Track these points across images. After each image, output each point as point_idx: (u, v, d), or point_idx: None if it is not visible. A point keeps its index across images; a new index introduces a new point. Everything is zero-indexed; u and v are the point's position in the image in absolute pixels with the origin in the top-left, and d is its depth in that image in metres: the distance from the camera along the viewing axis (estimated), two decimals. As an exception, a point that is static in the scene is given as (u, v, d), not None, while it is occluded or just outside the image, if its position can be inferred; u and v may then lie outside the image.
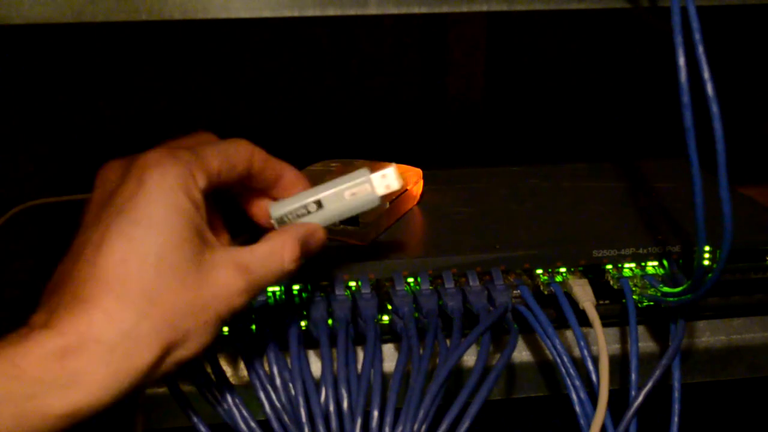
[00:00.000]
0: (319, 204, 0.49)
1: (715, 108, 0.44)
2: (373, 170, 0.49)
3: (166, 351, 0.40)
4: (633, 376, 0.52)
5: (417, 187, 0.66)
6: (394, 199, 0.62)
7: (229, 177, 0.45)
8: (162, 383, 0.51)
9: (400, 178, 0.49)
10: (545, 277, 0.57)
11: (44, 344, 0.37)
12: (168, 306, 0.40)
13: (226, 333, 0.54)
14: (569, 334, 0.57)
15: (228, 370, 0.52)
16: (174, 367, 0.41)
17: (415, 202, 0.66)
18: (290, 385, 0.49)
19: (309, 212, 0.49)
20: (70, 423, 0.38)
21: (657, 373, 0.52)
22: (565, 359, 0.53)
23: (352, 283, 0.55)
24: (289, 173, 0.49)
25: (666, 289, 0.55)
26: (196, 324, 0.41)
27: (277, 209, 0.49)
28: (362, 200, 0.49)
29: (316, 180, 0.61)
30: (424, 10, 0.48)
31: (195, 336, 0.41)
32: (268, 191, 0.49)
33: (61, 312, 0.39)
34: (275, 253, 0.45)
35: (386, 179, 0.49)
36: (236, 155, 0.46)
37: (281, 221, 0.49)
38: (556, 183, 0.71)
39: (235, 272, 0.42)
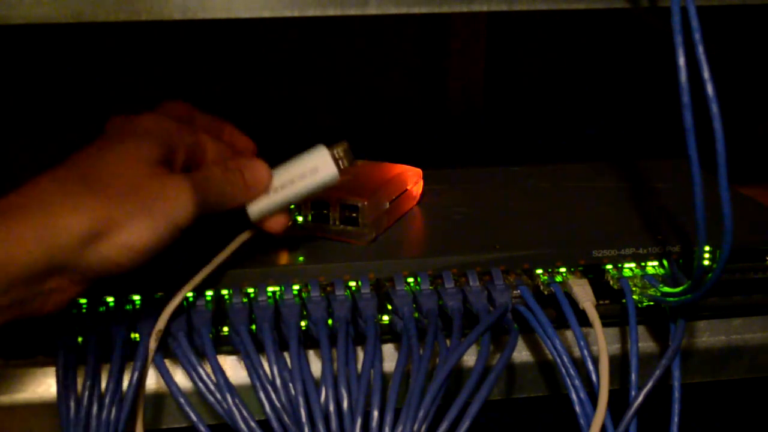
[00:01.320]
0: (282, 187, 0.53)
1: (715, 108, 0.44)
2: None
3: (104, 223, 0.44)
4: (633, 376, 0.52)
5: (417, 187, 0.66)
6: (394, 199, 0.62)
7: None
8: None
9: (351, 154, 0.53)
10: (545, 277, 0.57)
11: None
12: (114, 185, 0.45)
13: (226, 333, 0.54)
14: (569, 334, 0.57)
15: (228, 370, 0.52)
16: (114, 251, 0.44)
17: (415, 202, 0.66)
18: (290, 385, 0.49)
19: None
20: None
21: (657, 373, 0.52)
22: (565, 359, 0.53)
23: (352, 283, 0.55)
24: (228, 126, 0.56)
25: (666, 289, 0.55)
26: (139, 208, 0.45)
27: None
28: (322, 179, 0.53)
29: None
30: (424, 10, 0.48)
31: (136, 221, 0.45)
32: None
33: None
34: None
35: (341, 156, 0.52)
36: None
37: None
38: (556, 183, 0.71)
39: (185, 179, 0.48)
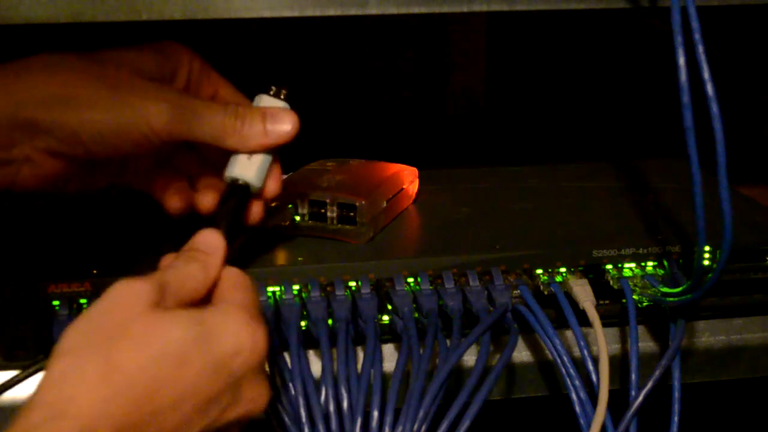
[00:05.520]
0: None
1: (715, 108, 0.44)
2: None
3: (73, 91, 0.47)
4: (633, 376, 0.52)
5: (413, 186, 0.66)
6: (391, 197, 0.62)
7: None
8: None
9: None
10: (545, 277, 0.57)
11: None
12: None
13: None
14: (569, 334, 0.57)
15: (228, 370, 0.52)
16: (77, 120, 0.46)
17: (411, 201, 0.66)
18: (290, 385, 0.49)
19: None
20: None
21: (657, 373, 0.52)
22: (565, 359, 0.53)
23: (352, 283, 0.55)
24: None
25: (666, 289, 0.55)
26: (110, 92, 0.47)
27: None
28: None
29: (313, 180, 0.61)
30: (424, 10, 0.48)
31: (103, 101, 0.47)
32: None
33: None
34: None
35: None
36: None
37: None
38: (556, 183, 0.71)
39: (173, 93, 0.50)
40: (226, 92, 0.55)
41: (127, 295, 0.40)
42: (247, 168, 0.50)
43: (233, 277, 0.44)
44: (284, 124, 0.50)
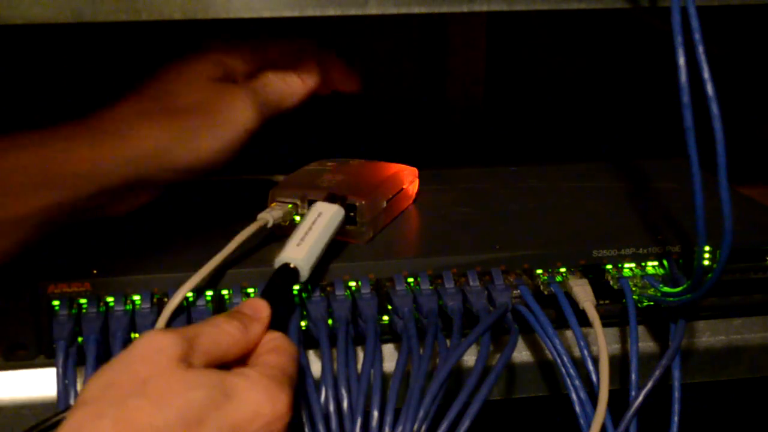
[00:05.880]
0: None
1: (715, 108, 0.44)
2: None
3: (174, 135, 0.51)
4: (633, 376, 0.52)
5: (413, 186, 0.66)
6: (391, 198, 0.62)
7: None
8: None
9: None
10: (545, 277, 0.57)
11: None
12: None
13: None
14: (569, 334, 0.57)
15: (228, 370, 0.52)
16: (184, 159, 0.52)
17: (411, 201, 0.66)
18: (290, 385, 0.49)
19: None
20: None
21: (657, 373, 0.52)
22: (565, 359, 0.53)
23: (352, 283, 0.55)
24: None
25: (666, 289, 0.56)
26: (202, 119, 0.52)
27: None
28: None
29: (312, 180, 0.61)
30: (424, 10, 0.48)
31: (201, 131, 0.52)
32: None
33: None
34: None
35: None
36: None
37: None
38: (556, 183, 0.71)
39: (243, 88, 0.54)
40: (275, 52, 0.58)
41: (152, 347, 0.40)
42: (298, 253, 0.52)
43: (274, 340, 0.45)
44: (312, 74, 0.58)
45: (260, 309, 0.46)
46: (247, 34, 0.57)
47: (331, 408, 0.48)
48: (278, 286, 0.50)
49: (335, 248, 0.58)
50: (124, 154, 0.50)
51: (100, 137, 0.50)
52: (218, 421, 0.39)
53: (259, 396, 0.40)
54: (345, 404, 0.48)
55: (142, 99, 0.53)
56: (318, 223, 0.54)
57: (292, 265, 0.51)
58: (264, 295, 0.48)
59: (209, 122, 0.52)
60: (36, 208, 0.49)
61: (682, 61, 0.45)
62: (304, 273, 0.51)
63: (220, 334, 0.43)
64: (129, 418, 0.38)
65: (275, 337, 0.45)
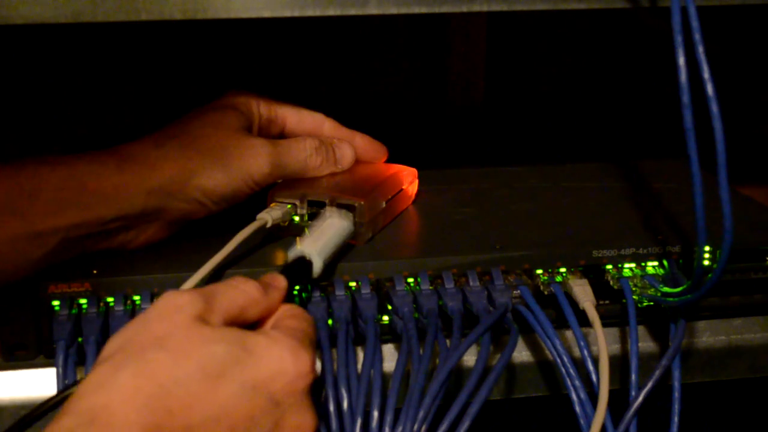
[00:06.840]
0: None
1: (715, 108, 0.44)
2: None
3: (188, 170, 0.55)
4: (633, 376, 0.52)
5: (412, 187, 0.66)
6: (390, 198, 0.62)
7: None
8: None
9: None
10: (545, 277, 0.57)
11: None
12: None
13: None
14: (569, 334, 0.57)
15: (228, 370, 0.52)
16: (193, 193, 0.55)
17: (411, 202, 0.66)
18: (290, 385, 0.49)
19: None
20: None
21: (657, 373, 0.52)
22: (565, 359, 0.53)
23: (352, 283, 0.55)
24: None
25: (666, 289, 0.55)
26: (216, 161, 0.56)
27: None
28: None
29: (311, 180, 0.61)
30: (424, 10, 0.48)
31: (213, 170, 0.55)
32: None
33: None
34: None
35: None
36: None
37: None
38: (556, 183, 0.71)
39: (262, 142, 0.58)
40: (293, 119, 0.63)
41: (170, 307, 0.40)
42: (313, 245, 0.52)
43: (292, 309, 0.45)
44: (347, 150, 0.63)
45: (279, 279, 0.46)
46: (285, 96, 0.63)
47: (331, 408, 0.48)
48: (294, 271, 0.50)
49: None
50: (145, 183, 0.54)
51: (126, 165, 0.53)
52: (240, 375, 0.38)
53: (283, 353, 0.40)
54: (345, 404, 0.48)
55: (167, 136, 0.56)
56: (335, 227, 0.54)
57: (308, 258, 0.51)
58: (282, 272, 0.48)
59: (223, 166, 0.56)
60: (61, 225, 0.51)
61: (682, 61, 0.45)
62: (317, 269, 0.52)
63: (238, 293, 0.43)
64: (148, 370, 0.37)
65: (293, 306, 0.45)
